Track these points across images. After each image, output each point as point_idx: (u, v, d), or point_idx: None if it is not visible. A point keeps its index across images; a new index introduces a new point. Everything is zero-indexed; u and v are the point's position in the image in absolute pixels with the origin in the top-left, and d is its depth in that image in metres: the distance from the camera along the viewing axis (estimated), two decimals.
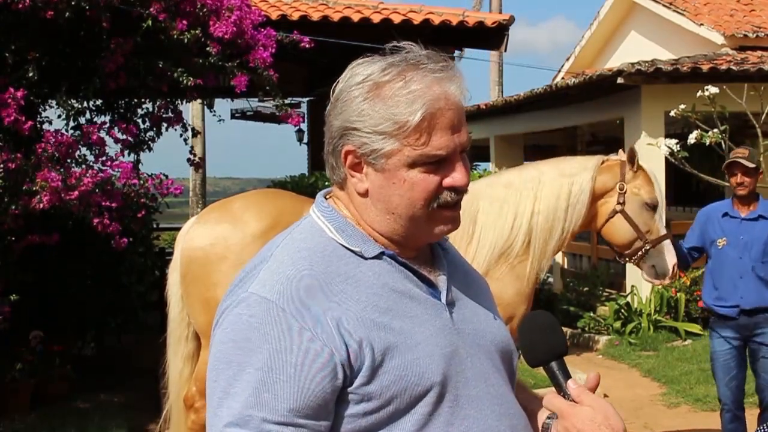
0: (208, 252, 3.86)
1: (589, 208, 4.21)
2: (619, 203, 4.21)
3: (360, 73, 1.35)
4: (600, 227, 4.31)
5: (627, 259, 4.36)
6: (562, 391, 1.36)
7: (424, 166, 1.32)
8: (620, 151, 4.47)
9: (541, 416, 1.46)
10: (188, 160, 7.84)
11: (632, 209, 4.22)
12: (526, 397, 1.52)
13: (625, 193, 4.21)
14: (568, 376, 1.37)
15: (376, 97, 1.32)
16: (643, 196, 4.24)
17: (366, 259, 1.35)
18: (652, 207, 4.24)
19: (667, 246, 4.28)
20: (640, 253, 4.25)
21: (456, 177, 1.35)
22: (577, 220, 4.19)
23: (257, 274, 1.32)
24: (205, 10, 5.90)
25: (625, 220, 4.21)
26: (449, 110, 1.32)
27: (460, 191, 1.36)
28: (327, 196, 1.45)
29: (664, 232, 4.30)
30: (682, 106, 6.33)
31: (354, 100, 1.33)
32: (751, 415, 5.14)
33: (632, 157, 4.25)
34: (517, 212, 4.10)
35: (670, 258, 4.27)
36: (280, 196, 4.23)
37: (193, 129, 7.42)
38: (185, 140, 7.04)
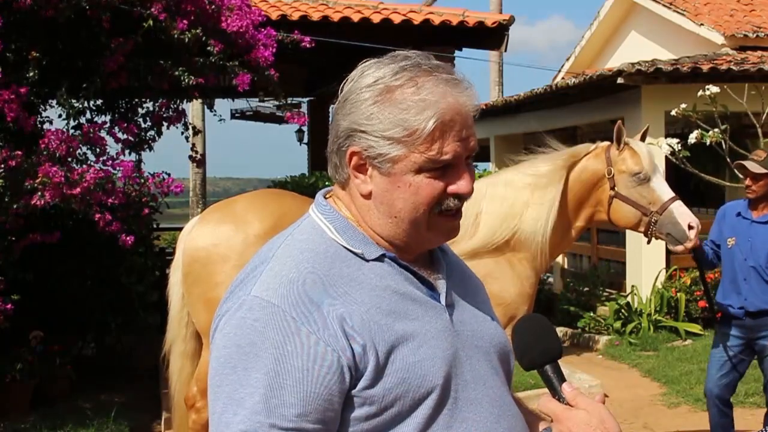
0: (211, 252, 3.86)
1: (587, 198, 4.17)
2: (611, 188, 4.13)
3: (371, 74, 1.33)
4: (608, 218, 4.22)
5: (646, 236, 4.21)
6: (556, 394, 1.35)
7: (430, 171, 1.31)
8: (618, 122, 4.34)
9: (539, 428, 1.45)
10: (190, 156, 7.88)
11: (624, 189, 4.11)
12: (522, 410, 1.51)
13: (612, 176, 4.12)
14: (562, 379, 1.36)
15: (387, 102, 1.30)
16: (629, 171, 4.12)
17: (367, 261, 1.34)
18: (644, 178, 4.11)
19: (676, 209, 4.10)
20: (651, 227, 4.11)
21: (461, 184, 1.34)
22: (575, 213, 4.15)
23: (258, 276, 1.31)
24: (214, 6, 5.91)
25: (623, 202, 4.12)
26: (460, 120, 1.31)
27: (463, 198, 1.36)
28: (327, 196, 1.44)
29: (667, 197, 4.11)
30: (683, 106, 6.34)
31: (363, 103, 1.31)
32: (751, 414, 5.15)
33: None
34: (513, 209, 4.07)
35: (683, 219, 4.08)
36: (283, 196, 4.23)
37: (194, 127, 7.44)
38: (186, 138, 7.06)
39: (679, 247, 4.16)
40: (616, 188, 4.13)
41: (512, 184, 4.16)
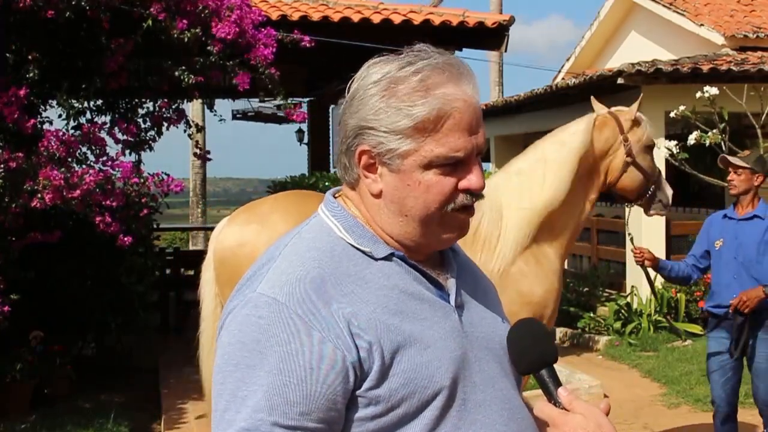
0: (237, 253, 3.90)
1: (596, 167, 4.15)
2: (627, 155, 4.15)
3: (377, 71, 1.32)
4: (613, 183, 4.22)
5: (639, 204, 4.31)
6: (552, 398, 1.34)
7: (440, 167, 1.29)
8: (592, 99, 4.38)
9: None
10: (195, 154, 7.91)
11: (639, 157, 4.18)
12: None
13: (629, 145, 4.15)
14: (558, 383, 1.35)
15: (393, 96, 1.29)
16: (647, 140, 4.19)
17: (376, 260, 1.32)
18: (651, 147, 4.23)
19: (662, 177, 4.32)
20: (649, 193, 4.23)
21: (472, 180, 1.32)
22: (588, 185, 4.15)
23: (265, 273, 1.29)
24: (206, 11, 5.92)
25: (637, 170, 4.17)
26: (467, 110, 1.30)
27: (475, 194, 1.33)
28: (336, 195, 1.42)
29: (656, 166, 4.32)
30: (682, 108, 6.35)
31: (370, 99, 1.30)
32: (751, 415, 5.14)
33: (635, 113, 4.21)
34: (532, 198, 4.01)
35: (668, 188, 4.31)
36: (308, 197, 4.23)
37: (197, 124, 7.47)
38: (189, 136, 7.06)
39: (664, 212, 4.35)
40: (633, 156, 4.16)
41: (524, 173, 4.12)
